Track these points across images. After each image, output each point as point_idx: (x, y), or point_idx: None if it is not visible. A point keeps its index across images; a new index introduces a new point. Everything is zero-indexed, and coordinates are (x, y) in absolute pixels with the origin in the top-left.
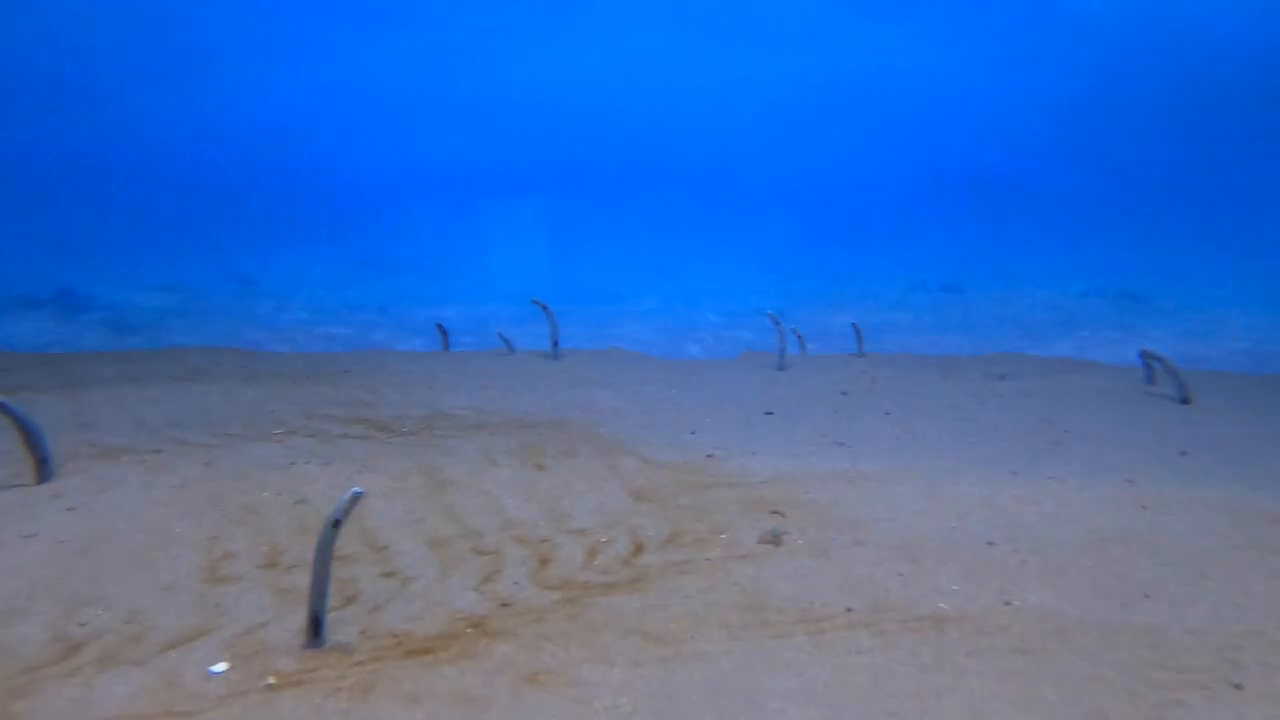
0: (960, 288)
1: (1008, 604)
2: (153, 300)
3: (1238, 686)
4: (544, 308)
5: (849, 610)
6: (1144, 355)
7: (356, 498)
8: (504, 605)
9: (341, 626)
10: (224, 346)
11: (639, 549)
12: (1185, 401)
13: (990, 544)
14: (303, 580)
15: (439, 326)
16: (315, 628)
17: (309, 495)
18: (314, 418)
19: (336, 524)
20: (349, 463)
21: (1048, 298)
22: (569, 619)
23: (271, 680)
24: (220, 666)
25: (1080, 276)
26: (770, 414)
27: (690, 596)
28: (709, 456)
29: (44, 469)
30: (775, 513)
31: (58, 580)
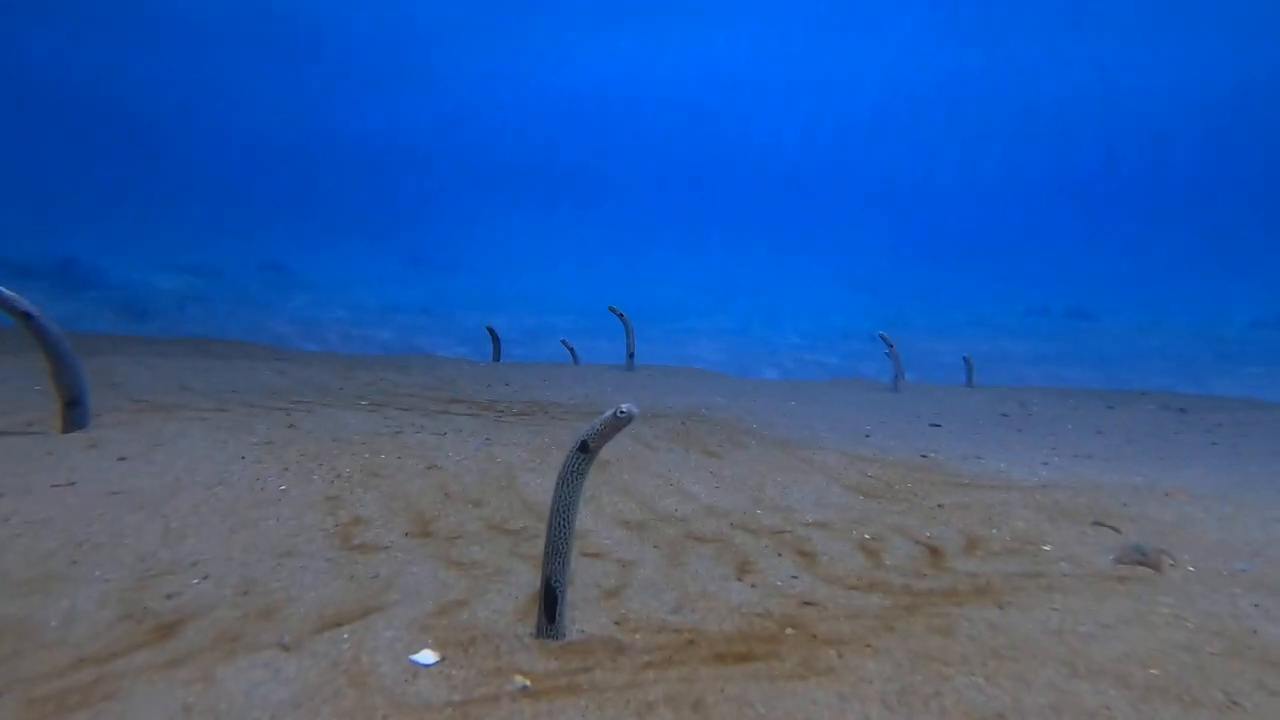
0: (1090, 315)
1: None
2: (170, 281)
3: None
4: (622, 316)
5: None
6: None
7: (620, 417)
8: (807, 604)
9: (572, 612)
10: (251, 341)
11: (935, 552)
12: None
13: None
14: (479, 553)
15: (490, 330)
16: (550, 610)
17: (439, 461)
18: (397, 395)
19: (584, 447)
20: (468, 435)
21: (1203, 328)
22: (935, 632)
23: (523, 681)
24: (428, 657)
25: (1247, 304)
26: (938, 425)
27: (1110, 626)
28: (923, 456)
29: (76, 413)
30: (1101, 525)
31: (115, 540)
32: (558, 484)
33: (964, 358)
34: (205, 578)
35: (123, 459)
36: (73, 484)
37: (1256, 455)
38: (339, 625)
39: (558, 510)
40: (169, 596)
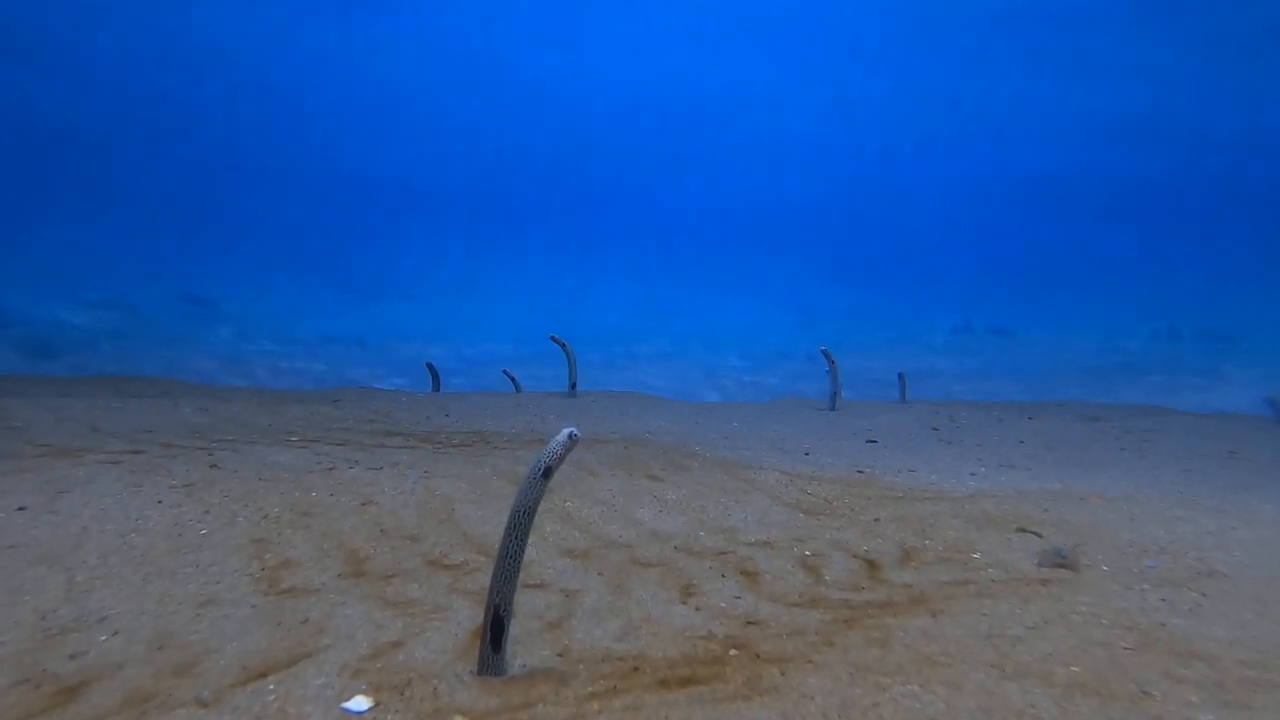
0: (1010, 331)
1: None
2: (80, 318)
3: None
4: (563, 345)
5: None
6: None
7: (573, 439)
8: (750, 623)
9: (514, 646)
10: (170, 378)
11: (873, 565)
12: None
13: None
14: (417, 591)
15: (429, 366)
16: (496, 642)
17: (374, 497)
18: (330, 429)
19: (548, 472)
20: (406, 468)
21: (1110, 341)
22: (873, 644)
23: None
24: (360, 703)
25: (1148, 317)
26: (874, 442)
27: (1034, 628)
28: (860, 471)
29: None
30: (1024, 531)
31: (13, 597)
32: (516, 512)
33: (899, 374)
34: (115, 633)
35: (22, 509)
36: None
37: (1159, 458)
38: (264, 676)
39: (512, 537)
40: (73, 656)
